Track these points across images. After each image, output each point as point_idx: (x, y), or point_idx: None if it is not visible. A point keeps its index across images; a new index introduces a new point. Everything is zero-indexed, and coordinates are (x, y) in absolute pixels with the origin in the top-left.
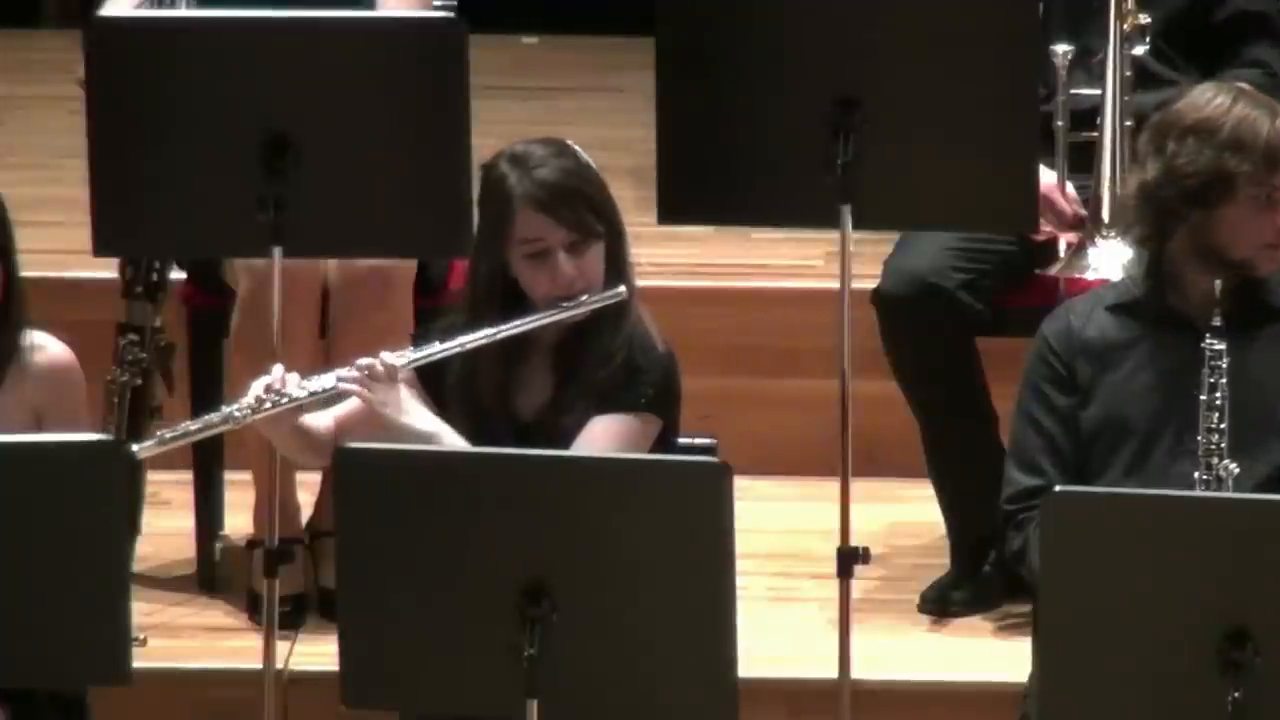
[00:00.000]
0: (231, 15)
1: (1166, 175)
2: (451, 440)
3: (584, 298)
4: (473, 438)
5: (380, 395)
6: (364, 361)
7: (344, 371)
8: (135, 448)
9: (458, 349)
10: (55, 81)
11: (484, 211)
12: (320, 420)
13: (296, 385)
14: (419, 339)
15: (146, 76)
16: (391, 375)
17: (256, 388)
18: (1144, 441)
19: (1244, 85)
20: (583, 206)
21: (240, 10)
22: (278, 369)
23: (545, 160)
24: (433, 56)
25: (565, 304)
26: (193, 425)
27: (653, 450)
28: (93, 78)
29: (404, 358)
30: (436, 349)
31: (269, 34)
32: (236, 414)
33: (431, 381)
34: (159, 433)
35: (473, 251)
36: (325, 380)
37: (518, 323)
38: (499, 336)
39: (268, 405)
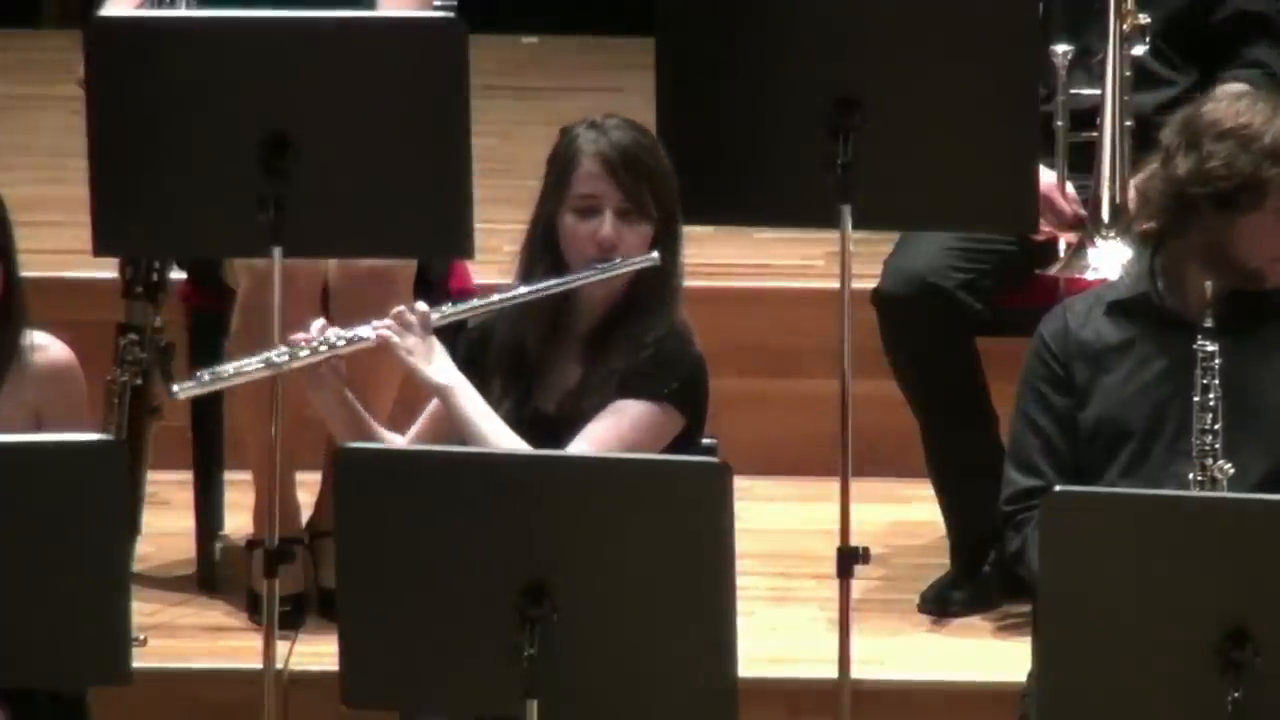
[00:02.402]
0: (231, 15)
1: (1200, 173)
2: (468, 396)
3: (616, 260)
4: (512, 411)
5: (409, 343)
6: (397, 309)
7: (378, 321)
8: (175, 387)
9: (487, 308)
10: (55, 81)
11: (550, 167)
12: (392, 436)
13: (335, 335)
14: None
15: (146, 76)
16: (423, 323)
17: (295, 339)
18: (1141, 443)
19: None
20: (644, 180)
21: (240, 10)
22: (319, 322)
23: (622, 127)
24: (433, 56)
25: (599, 265)
26: (231, 368)
27: (674, 452)
28: (93, 78)
29: (440, 311)
30: (471, 304)
31: (269, 34)
32: (275, 358)
33: (477, 355)
34: (198, 374)
35: (535, 209)
36: (361, 330)
37: (550, 283)
38: (532, 296)
39: (304, 353)
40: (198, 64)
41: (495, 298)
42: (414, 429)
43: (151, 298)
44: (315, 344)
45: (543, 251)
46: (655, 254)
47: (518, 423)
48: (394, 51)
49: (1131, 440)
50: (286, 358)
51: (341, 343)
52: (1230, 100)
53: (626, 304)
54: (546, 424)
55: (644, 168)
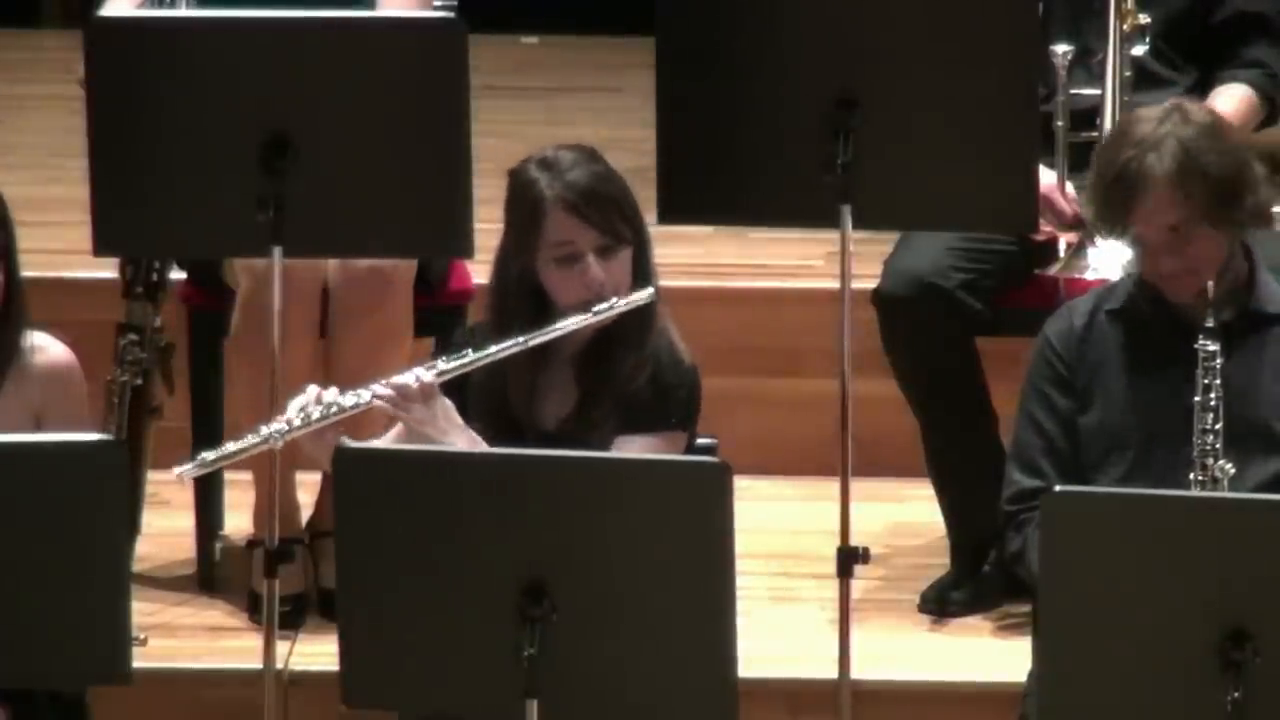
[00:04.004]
0: (231, 15)
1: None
2: None
3: (614, 299)
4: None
5: (417, 414)
6: (399, 380)
7: (380, 388)
8: (177, 471)
9: (490, 359)
10: (55, 81)
11: (513, 216)
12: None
13: (331, 401)
14: (447, 349)
15: (146, 76)
16: (427, 392)
17: (292, 408)
18: (1141, 448)
19: (1185, 111)
20: (613, 211)
21: (240, 10)
22: (312, 389)
23: (576, 164)
24: (433, 56)
25: (596, 308)
26: (232, 446)
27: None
28: (93, 78)
29: (436, 370)
30: (469, 359)
31: (269, 34)
32: (275, 433)
33: (453, 392)
34: (201, 455)
35: (498, 258)
36: (361, 395)
37: (549, 329)
38: (531, 344)
39: (298, 423)
40: (198, 64)
41: (494, 349)
42: (392, 439)
43: (151, 298)
44: (310, 414)
45: (522, 301)
46: (650, 289)
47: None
48: (394, 51)
49: (1132, 446)
50: (285, 429)
51: (336, 409)
52: (1123, 130)
53: (613, 325)
54: (548, 445)
55: (609, 200)
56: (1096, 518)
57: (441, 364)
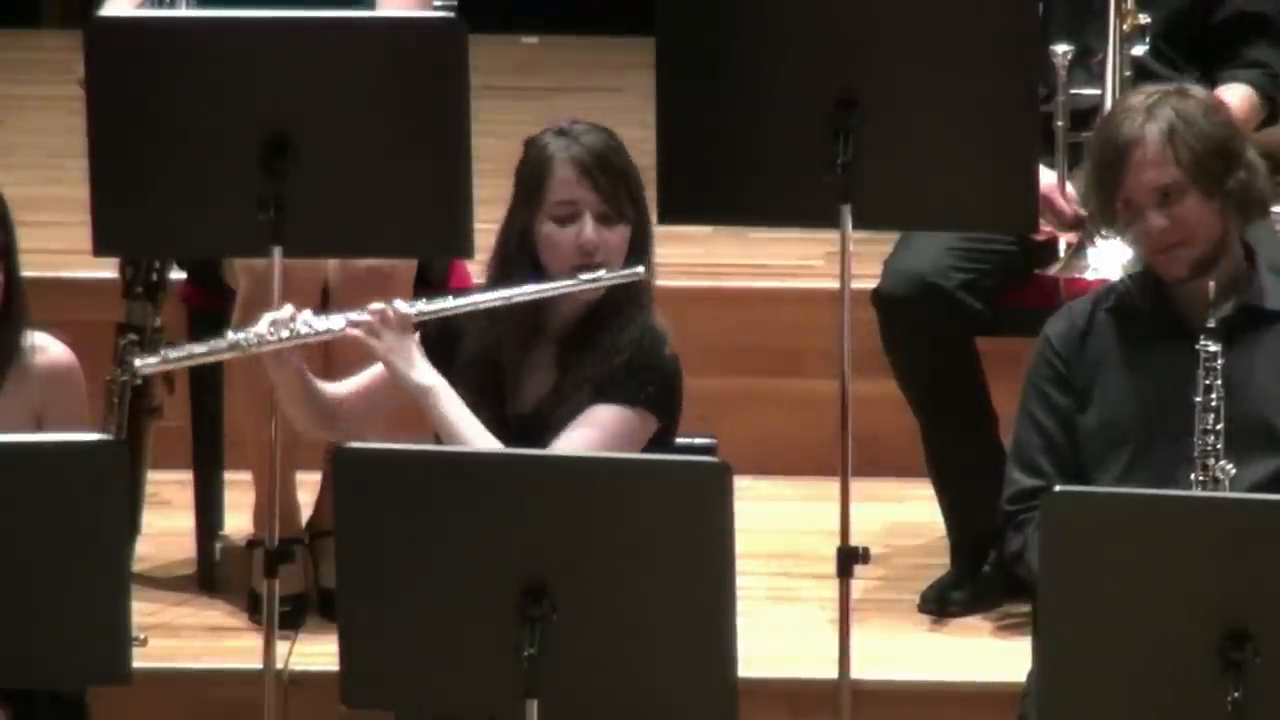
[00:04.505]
0: (231, 15)
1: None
2: (448, 398)
3: (603, 270)
4: (491, 418)
5: (388, 342)
6: (375, 306)
7: (355, 315)
8: (138, 363)
9: (470, 306)
10: (55, 81)
11: (522, 176)
12: (330, 386)
13: (305, 322)
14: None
15: (146, 76)
16: (402, 323)
17: (265, 320)
18: (1141, 445)
19: (1163, 96)
20: (619, 182)
21: (240, 10)
22: (287, 307)
23: (590, 131)
24: (433, 56)
25: (584, 276)
26: (198, 348)
27: (648, 452)
28: (93, 78)
29: (415, 307)
30: (449, 303)
31: (269, 34)
32: (243, 341)
33: (441, 357)
34: (163, 350)
35: (503, 222)
36: (334, 321)
37: (533, 288)
38: (513, 300)
39: (273, 338)
40: (198, 64)
41: (476, 297)
42: (354, 384)
43: (151, 298)
44: (284, 330)
45: (519, 262)
46: (640, 268)
47: (498, 427)
48: (394, 51)
49: (1131, 444)
50: (255, 341)
51: (311, 331)
52: (1121, 101)
53: (601, 307)
54: (523, 426)
55: (617, 170)
56: (1096, 518)
57: (421, 304)
